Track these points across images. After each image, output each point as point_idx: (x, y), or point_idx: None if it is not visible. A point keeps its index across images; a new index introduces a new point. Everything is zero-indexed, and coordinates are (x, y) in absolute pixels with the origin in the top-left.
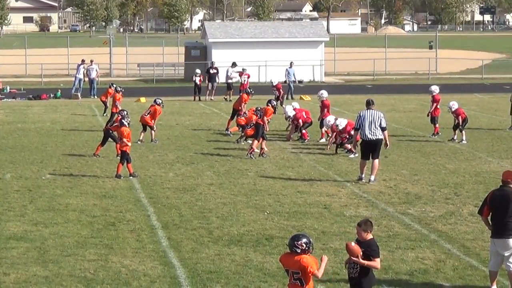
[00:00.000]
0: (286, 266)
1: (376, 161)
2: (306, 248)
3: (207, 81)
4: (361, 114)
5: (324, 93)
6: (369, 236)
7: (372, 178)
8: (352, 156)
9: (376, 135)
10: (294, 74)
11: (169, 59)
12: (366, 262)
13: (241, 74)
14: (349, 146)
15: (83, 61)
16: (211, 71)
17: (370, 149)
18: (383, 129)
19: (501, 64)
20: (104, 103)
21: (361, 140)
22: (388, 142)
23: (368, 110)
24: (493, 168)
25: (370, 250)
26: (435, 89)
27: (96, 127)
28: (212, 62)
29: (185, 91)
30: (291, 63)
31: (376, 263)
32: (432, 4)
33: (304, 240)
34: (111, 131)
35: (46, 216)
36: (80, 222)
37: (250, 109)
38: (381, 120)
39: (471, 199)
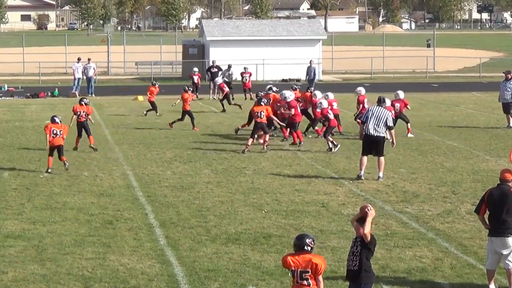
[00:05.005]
0: (295, 267)
1: (381, 158)
2: (313, 246)
3: (208, 80)
4: (370, 109)
5: (361, 90)
6: None
7: (381, 174)
8: (336, 149)
9: (377, 132)
10: (314, 72)
11: (166, 57)
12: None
13: (242, 73)
14: (331, 139)
15: (79, 59)
16: (212, 70)
17: (370, 145)
18: (388, 128)
19: (498, 63)
20: (152, 103)
21: (364, 135)
22: (393, 140)
23: (378, 107)
24: (491, 167)
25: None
26: (360, 90)
27: (93, 125)
28: (213, 61)
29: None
30: (310, 61)
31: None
32: (430, 2)
33: (311, 238)
34: (85, 122)
35: (43, 215)
36: (77, 221)
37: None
38: (387, 118)
39: (468, 198)
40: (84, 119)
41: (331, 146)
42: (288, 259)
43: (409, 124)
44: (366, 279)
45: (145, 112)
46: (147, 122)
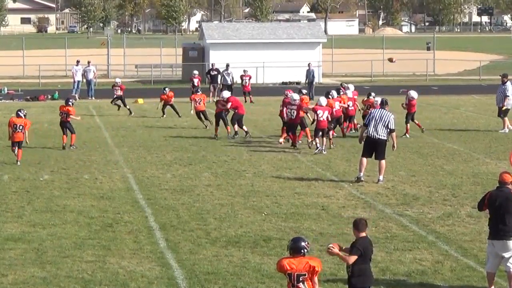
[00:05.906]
0: (291, 270)
1: (382, 161)
2: (308, 249)
3: (208, 83)
4: (372, 112)
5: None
6: (361, 234)
7: (381, 178)
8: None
9: (378, 135)
10: (313, 74)
11: (166, 60)
12: (341, 254)
13: (242, 76)
14: (317, 140)
15: (78, 62)
16: (212, 72)
17: (371, 147)
18: (390, 131)
19: (498, 65)
20: (171, 106)
21: (366, 136)
22: (395, 144)
23: (380, 110)
24: (491, 169)
25: (352, 246)
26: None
27: (93, 128)
28: (212, 64)
29: (183, 92)
30: (309, 64)
31: (348, 258)
32: (430, 5)
33: (307, 241)
34: (67, 123)
35: (43, 217)
36: (78, 224)
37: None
38: (389, 121)
39: (468, 200)
40: (65, 119)
41: (319, 146)
42: (284, 262)
43: (408, 125)
44: (360, 284)
45: (179, 116)
46: (146, 125)
